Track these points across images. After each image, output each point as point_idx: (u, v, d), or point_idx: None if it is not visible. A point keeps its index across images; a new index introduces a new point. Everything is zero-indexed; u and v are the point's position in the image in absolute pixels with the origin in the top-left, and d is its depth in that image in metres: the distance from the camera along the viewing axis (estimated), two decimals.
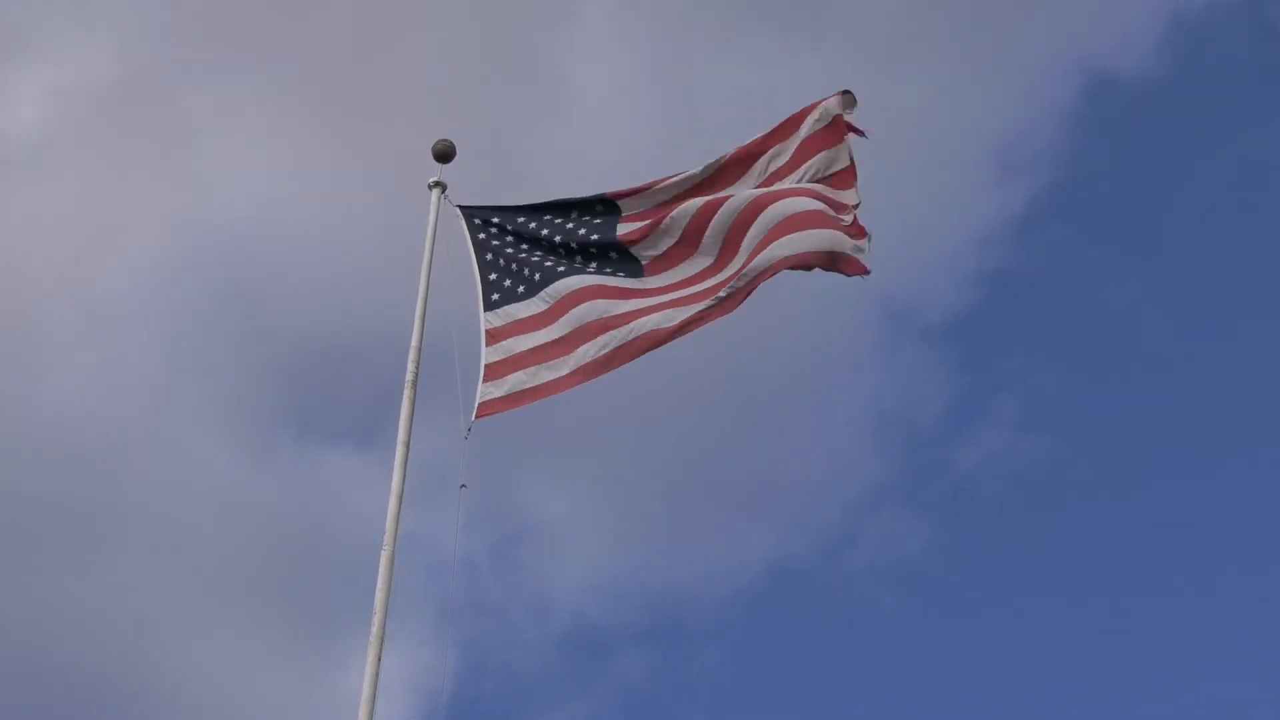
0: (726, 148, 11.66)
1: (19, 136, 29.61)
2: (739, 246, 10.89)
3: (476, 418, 10.48)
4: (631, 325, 10.70)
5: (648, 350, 10.68)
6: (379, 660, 9.73)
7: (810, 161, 11.31)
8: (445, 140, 11.63)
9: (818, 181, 11.21)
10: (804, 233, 10.81)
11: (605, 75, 30.83)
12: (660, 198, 11.42)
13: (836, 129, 11.33)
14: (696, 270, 11.03)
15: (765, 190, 11.17)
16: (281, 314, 26.96)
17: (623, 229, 11.30)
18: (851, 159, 11.33)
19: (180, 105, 30.12)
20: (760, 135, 11.55)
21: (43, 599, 25.26)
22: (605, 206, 11.45)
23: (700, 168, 11.53)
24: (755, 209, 10.96)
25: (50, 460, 26.40)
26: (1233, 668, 26.77)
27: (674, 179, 11.54)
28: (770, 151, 11.44)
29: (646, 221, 11.27)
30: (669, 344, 10.78)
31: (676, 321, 10.68)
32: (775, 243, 10.78)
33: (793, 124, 11.44)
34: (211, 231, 28.34)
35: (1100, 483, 29.82)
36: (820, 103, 11.43)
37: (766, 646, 28.43)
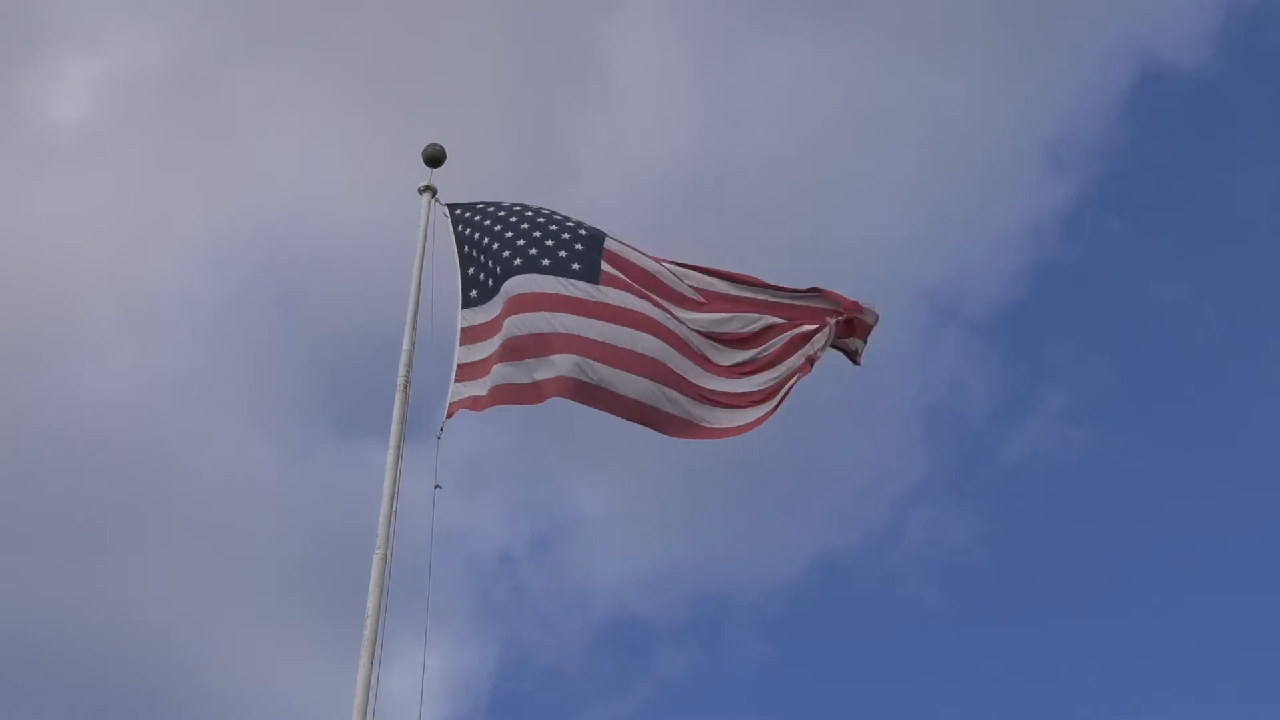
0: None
1: (66, 127, 29.86)
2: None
3: (448, 417, 10.60)
4: (591, 363, 10.64)
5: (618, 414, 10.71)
6: (371, 664, 9.71)
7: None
8: (435, 144, 11.63)
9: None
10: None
11: (648, 65, 30.78)
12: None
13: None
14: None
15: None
16: (324, 308, 27.02)
17: (610, 244, 11.26)
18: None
19: (225, 97, 30.31)
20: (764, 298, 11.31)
21: (80, 594, 25.47)
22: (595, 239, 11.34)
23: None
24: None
25: (90, 454, 26.61)
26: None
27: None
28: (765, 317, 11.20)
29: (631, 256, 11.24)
30: None
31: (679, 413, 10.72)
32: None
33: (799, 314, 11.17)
34: (255, 226, 28.48)
35: (1147, 476, 29.60)
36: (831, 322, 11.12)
37: (810, 641, 28.35)
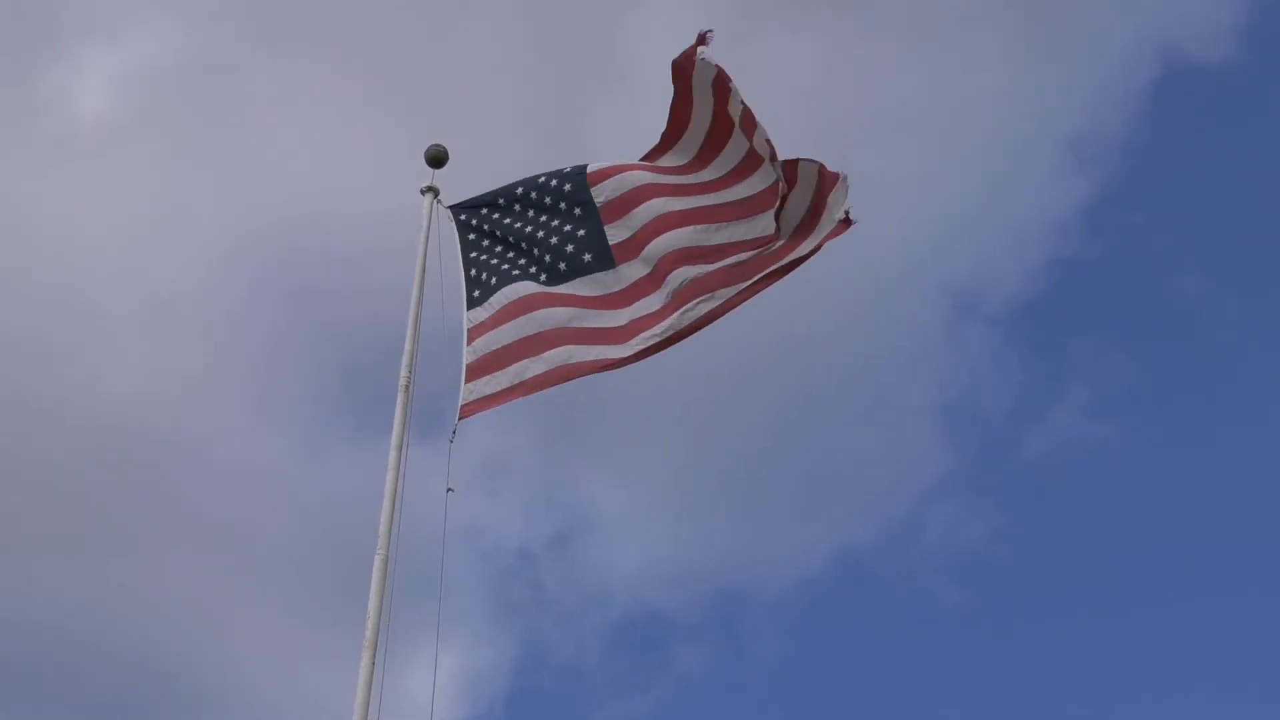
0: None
1: (85, 123, 29.91)
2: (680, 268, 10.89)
3: (460, 419, 10.63)
4: (594, 348, 10.76)
5: (599, 371, 10.77)
6: (373, 665, 9.70)
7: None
8: (438, 145, 11.64)
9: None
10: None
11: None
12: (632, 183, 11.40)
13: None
14: (649, 274, 11.03)
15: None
16: (339, 305, 27.00)
17: (598, 195, 11.28)
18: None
19: (241, 94, 30.34)
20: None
21: (93, 589, 25.55)
22: (578, 180, 11.41)
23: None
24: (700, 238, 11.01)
25: (105, 450, 26.68)
26: None
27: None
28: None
29: (620, 196, 11.27)
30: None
31: (631, 352, 10.74)
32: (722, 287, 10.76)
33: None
34: (270, 221, 28.49)
35: (1168, 471, 29.52)
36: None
37: (829, 637, 28.34)
